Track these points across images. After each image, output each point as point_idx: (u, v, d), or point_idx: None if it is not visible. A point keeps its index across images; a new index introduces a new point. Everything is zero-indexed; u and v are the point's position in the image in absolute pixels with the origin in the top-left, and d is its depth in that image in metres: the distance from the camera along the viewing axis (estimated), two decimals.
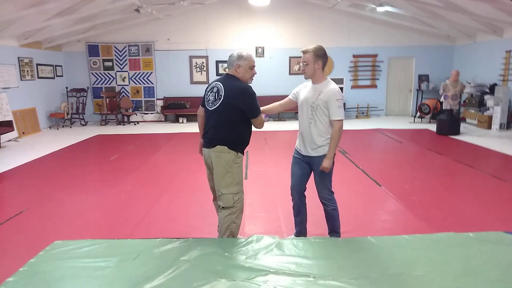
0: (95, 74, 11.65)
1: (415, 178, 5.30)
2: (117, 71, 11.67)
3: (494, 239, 2.65)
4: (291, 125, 10.46)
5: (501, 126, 9.01)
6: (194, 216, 4.02)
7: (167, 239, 2.77)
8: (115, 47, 11.51)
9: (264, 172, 5.73)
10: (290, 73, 11.81)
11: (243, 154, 2.94)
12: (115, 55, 11.57)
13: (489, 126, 9.29)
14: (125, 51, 11.56)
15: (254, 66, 2.99)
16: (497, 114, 9.03)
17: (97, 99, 11.67)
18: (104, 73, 11.66)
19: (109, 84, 11.71)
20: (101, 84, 11.70)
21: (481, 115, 9.64)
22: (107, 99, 11.38)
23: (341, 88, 11.66)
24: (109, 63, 11.61)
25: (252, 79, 3.01)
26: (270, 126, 10.44)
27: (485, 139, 8.11)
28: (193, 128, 10.32)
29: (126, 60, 11.61)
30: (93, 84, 11.68)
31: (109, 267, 2.40)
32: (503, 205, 4.22)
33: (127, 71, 11.68)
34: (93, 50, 11.51)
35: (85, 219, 3.97)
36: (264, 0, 9.62)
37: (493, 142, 7.71)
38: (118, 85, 11.73)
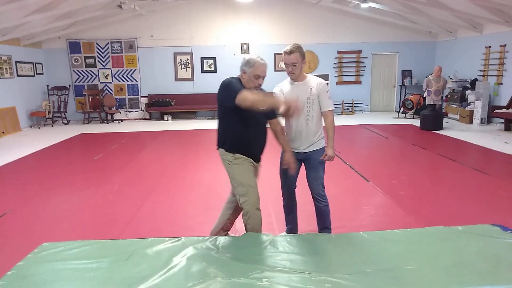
0: (77, 72, 11.40)
1: (402, 173, 5.38)
2: (99, 69, 11.44)
3: (482, 232, 2.72)
4: None
5: (482, 121, 9.23)
6: (183, 215, 3.99)
7: (159, 238, 2.73)
8: (97, 44, 11.28)
9: None
10: (275, 70, 11.80)
11: (243, 154, 2.76)
12: (97, 52, 11.34)
13: (471, 121, 9.51)
14: (108, 48, 11.34)
15: (261, 76, 2.73)
16: (478, 109, 9.25)
17: (79, 97, 11.42)
18: (86, 70, 11.42)
19: (92, 82, 11.48)
20: (83, 82, 11.45)
21: (463, 110, 9.85)
22: (90, 97, 11.15)
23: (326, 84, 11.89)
24: (91, 60, 11.38)
25: (257, 88, 2.74)
26: None
27: (467, 133, 8.31)
28: (179, 125, 10.23)
29: (108, 57, 11.40)
30: (75, 82, 11.42)
31: (101, 268, 2.35)
32: (487, 198, 4.34)
33: (110, 68, 11.47)
34: (74, 47, 11.25)
35: (72, 220, 3.89)
36: None
37: (475, 136, 7.90)
38: (100, 82, 11.51)
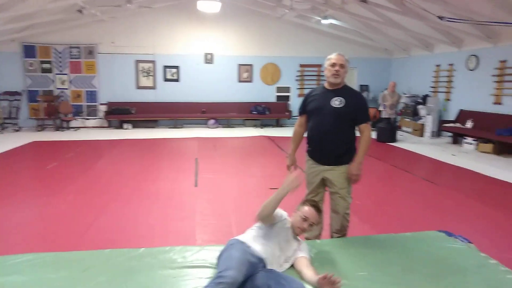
0: (31, 77, 10.90)
1: (358, 183, 5.57)
2: (56, 74, 11.02)
3: (428, 238, 2.89)
4: (240, 132, 10.54)
5: (432, 134, 9.80)
6: (142, 225, 3.92)
7: (117, 249, 2.66)
8: (54, 48, 10.87)
9: (214, 179, 5.72)
10: (239, 80, 11.92)
11: (308, 156, 3.22)
12: (54, 57, 10.93)
13: (422, 134, 10.06)
14: (66, 53, 10.96)
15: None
16: (429, 123, 9.82)
17: (33, 103, 10.90)
18: (41, 75, 10.94)
19: (47, 88, 11.01)
20: (38, 87, 10.95)
21: (415, 123, 10.41)
22: (45, 103, 10.69)
23: (288, 96, 12.16)
24: (48, 65, 10.93)
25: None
26: (219, 132, 10.44)
27: (419, 146, 8.78)
28: (139, 134, 10.02)
29: (66, 62, 11.01)
30: (29, 87, 10.91)
31: (56, 281, 2.25)
32: (436, 206, 4.61)
33: (67, 74, 11.08)
34: (29, 51, 10.77)
35: (23, 233, 3.70)
36: (214, 7, 9.66)
37: (426, 149, 8.37)
38: (57, 88, 11.07)
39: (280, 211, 2.55)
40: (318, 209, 2.57)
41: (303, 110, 3.14)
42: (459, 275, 2.36)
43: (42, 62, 10.89)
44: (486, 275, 2.37)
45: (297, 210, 2.58)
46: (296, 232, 2.52)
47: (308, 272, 2.29)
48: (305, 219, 2.49)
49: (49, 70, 10.96)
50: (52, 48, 10.85)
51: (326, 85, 3.02)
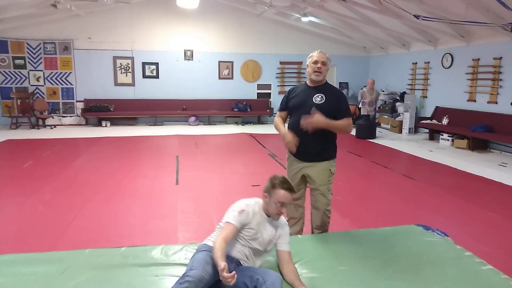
0: (4, 73, 10.53)
1: (339, 179, 5.64)
2: (30, 70, 10.68)
3: (407, 232, 2.97)
4: (221, 129, 10.51)
5: (410, 131, 10.02)
6: (122, 224, 3.86)
7: (97, 249, 2.62)
8: (27, 44, 10.53)
9: (196, 176, 5.69)
10: (219, 77, 11.86)
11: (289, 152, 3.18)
12: (28, 53, 10.58)
13: (400, 131, 10.27)
14: (40, 48, 10.63)
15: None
16: (407, 119, 10.03)
17: (6, 100, 10.53)
18: (14, 71, 10.58)
19: (21, 84, 10.66)
20: (11, 84, 10.60)
21: (393, 120, 10.62)
22: (18, 101, 10.36)
23: (269, 94, 12.18)
24: (21, 61, 10.58)
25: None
26: (200, 130, 10.37)
27: (397, 142, 8.97)
28: (118, 132, 9.85)
29: (41, 58, 10.68)
30: (1, 84, 10.54)
31: (35, 282, 2.20)
32: (413, 201, 4.73)
33: (42, 71, 10.75)
34: (1, 46, 10.39)
35: None
36: (193, 3, 9.55)
37: (404, 145, 8.56)
38: (31, 85, 10.73)
39: (247, 214, 2.32)
40: (291, 189, 2.37)
41: (285, 106, 3.18)
42: (437, 267, 2.43)
43: (15, 58, 10.53)
44: (462, 266, 2.45)
45: (268, 195, 2.36)
46: (275, 218, 2.40)
47: (290, 275, 2.26)
48: (282, 204, 2.34)
49: (22, 66, 10.61)
50: (25, 43, 10.51)
51: (308, 82, 3.07)
